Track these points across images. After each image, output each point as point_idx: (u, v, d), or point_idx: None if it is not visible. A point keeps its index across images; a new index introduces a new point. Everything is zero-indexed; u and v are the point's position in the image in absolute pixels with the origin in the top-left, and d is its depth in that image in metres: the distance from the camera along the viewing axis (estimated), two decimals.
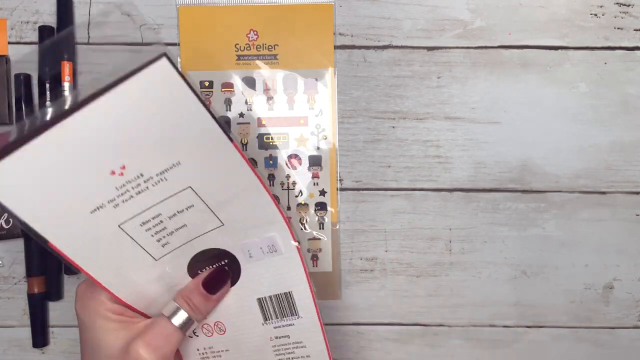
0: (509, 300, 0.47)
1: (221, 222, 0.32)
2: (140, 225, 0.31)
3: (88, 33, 0.44)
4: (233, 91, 0.45)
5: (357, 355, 0.47)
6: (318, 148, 0.45)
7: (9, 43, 0.44)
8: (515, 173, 0.46)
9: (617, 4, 0.45)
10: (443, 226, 0.46)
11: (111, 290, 0.32)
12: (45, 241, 0.29)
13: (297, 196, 0.45)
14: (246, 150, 0.45)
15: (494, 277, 0.46)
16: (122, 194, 0.29)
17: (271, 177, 0.45)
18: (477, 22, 0.45)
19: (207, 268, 0.35)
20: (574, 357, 0.47)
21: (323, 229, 0.46)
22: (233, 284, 0.36)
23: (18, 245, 0.45)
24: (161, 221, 0.31)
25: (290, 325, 0.37)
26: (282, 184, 0.45)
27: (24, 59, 0.44)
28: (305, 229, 0.45)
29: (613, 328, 0.47)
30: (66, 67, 0.43)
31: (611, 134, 0.45)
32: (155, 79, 0.26)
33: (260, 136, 0.45)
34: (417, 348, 0.47)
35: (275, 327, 0.37)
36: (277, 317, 0.37)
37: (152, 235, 0.32)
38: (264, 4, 0.44)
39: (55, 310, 0.46)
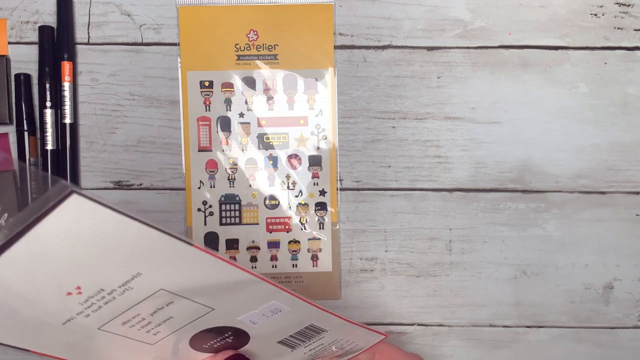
0: (509, 300, 0.47)
1: (210, 307, 0.31)
2: (122, 324, 0.29)
3: (88, 33, 0.44)
4: (233, 91, 0.45)
5: None
6: (318, 148, 0.45)
7: (9, 43, 0.44)
8: (515, 173, 0.46)
9: (617, 4, 0.45)
10: (443, 226, 0.46)
11: None
12: (26, 351, 0.28)
13: (297, 196, 0.45)
14: (246, 150, 0.45)
15: (494, 277, 0.46)
16: (89, 307, 0.27)
17: (271, 177, 0.45)
18: (477, 22, 0.45)
19: (211, 342, 0.33)
20: (574, 357, 0.47)
21: (323, 229, 0.46)
22: (244, 345, 0.34)
23: None
24: (143, 318, 0.30)
25: (321, 339, 0.36)
26: (282, 183, 0.45)
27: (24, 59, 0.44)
28: (305, 229, 0.45)
29: (613, 328, 0.47)
30: (66, 67, 0.43)
31: (611, 134, 0.45)
32: (70, 214, 0.23)
33: (260, 136, 0.45)
34: (417, 348, 0.47)
35: (305, 347, 0.36)
36: (304, 342, 0.35)
37: (139, 330, 0.30)
38: (264, 4, 0.44)
39: None
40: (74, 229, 0.24)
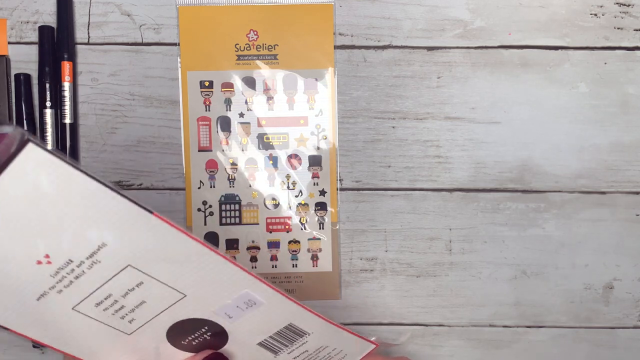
0: (509, 300, 0.47)
1: (182, 293, 0.30)
2: (95, 306, 0.29)
3: (88, 33, 0.44)
4: (233, 91, 0.45)
5: None
6: (318, 148, 0.45)
7: (9, 43, 0.44)
8: (515, 173, 0.46)
9: (617, 4, 0.45)
10: (443, 226, 0.46)
11: None
12: (5, 329, 0.29)
13: (297, 196, 0.45)
14: (246, 150, 0.45)
15: (494, 277, 0.46)
16: (60, 281, 0.28)
17: (271, 177, 0.45)
18: (477, 22, 0.45)
19: (189, 338, 0.33)
20: (574, 357, 0.47)
21: (323, 229, 0.46)
22: (223, 345, 0.34)
23: None
24: (116, 300, 0.30)
25: (304, 343, 0.35)
26: (282, 183, 0.45)
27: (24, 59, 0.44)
28: (305, 229, 0.45)
29: (613, 328, 0.47)
30: (66, 67, 0.43)
31: (611, 134, 0.45)
32: (28, 166, 0.23)
33: (260, 136, 0.45)
34: (417, 348, 0.47)
35: (289, 353, 0.35)
36: (287, 346, 0.35)
37: (113, 314, 0.30)
38: (264, 4, 0.44)
39: None
40: (33, 183, 0.24)
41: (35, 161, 0.24)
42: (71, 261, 0.27)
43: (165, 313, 0.31)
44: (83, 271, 0.28)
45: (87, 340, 0.31)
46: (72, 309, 0.29)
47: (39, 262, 0.27)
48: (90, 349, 0.32)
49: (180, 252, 0.29)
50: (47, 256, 0.27)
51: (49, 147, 0.25)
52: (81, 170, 0.24)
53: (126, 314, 0.31)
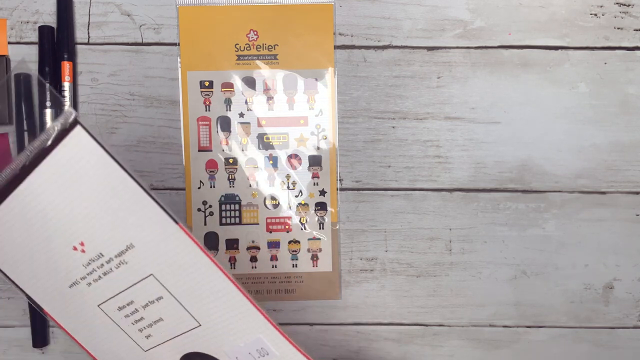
0: (509, 300, 0.47)
1: (197, 321, 0.31)
2: (118, 309, 0.31)
3: (88, 33, 0.44)
4: (233, 91, 0.45)
5: (357, 355, 0.47)
6: (318, 148, 0.45)
7: (9, 43, 0.44)
8: (515, 173, 0.46)
9: (617, 4, 0.45)
10: (443, 226, 0.46)
11: None
12: (40, 308, 0.31)
13: (297, 196, 0.45)
14: (246, 150, 0.45)
15: (494, 277, 0.46)
16: (90, 273, 0.29)
17: (271, 177, 0.45)
18: (477, 22, 0.45)
19: None
20: (574, 357, 0.47)
21: (323, 229, 0.46)
22: None
23: None
24: (136, 309, 0.31)
25: None
26: (282, 183, 0.45)
27: (24, 58, 0.44)
28: (305, 229, 0.45)
29: (613, 328, 0.47)
30: (66, 67, 0.43)
31: (611, 134, 0.45)
32: (73, 149, 0.24)
33: (260, 136, 0.45)
34: (417, 348, 0.47)
35: None
36: None
37: (133, 324, 0.31)
38: (264, 4, 0.44)
39: None
40: (72, 167, 0.25)
41: (81, 145, 0.24)
42: (102, 255, 0.28)
43: (180, 339, 0.32)
44: (111, 268, 0.29)
45: (107, 345, 0.32)
46: (98, 306, 0.30)
47: (75, 249, 0.28)
48: (113, 355, 0.32)
49: (197, 270, 0.29)
50: (82, 244, 0.28)
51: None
52: (120, 164, 0.25)
53: (144, 327, 0.31)
